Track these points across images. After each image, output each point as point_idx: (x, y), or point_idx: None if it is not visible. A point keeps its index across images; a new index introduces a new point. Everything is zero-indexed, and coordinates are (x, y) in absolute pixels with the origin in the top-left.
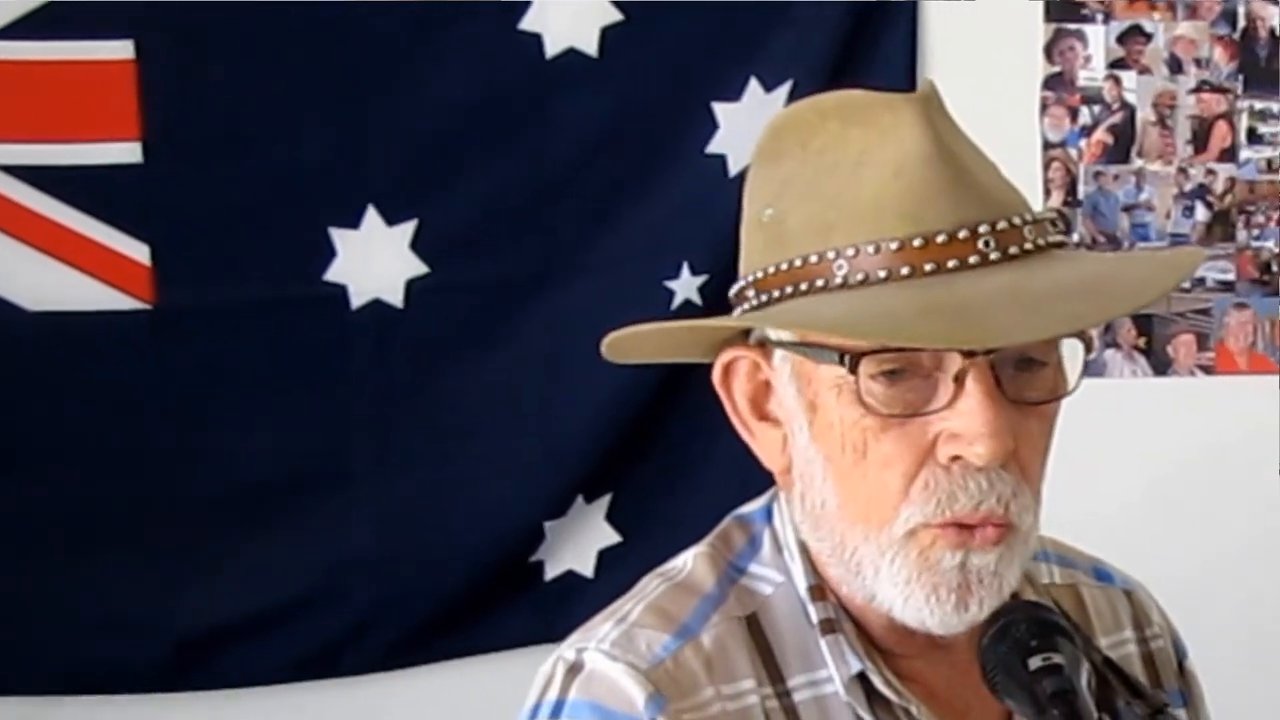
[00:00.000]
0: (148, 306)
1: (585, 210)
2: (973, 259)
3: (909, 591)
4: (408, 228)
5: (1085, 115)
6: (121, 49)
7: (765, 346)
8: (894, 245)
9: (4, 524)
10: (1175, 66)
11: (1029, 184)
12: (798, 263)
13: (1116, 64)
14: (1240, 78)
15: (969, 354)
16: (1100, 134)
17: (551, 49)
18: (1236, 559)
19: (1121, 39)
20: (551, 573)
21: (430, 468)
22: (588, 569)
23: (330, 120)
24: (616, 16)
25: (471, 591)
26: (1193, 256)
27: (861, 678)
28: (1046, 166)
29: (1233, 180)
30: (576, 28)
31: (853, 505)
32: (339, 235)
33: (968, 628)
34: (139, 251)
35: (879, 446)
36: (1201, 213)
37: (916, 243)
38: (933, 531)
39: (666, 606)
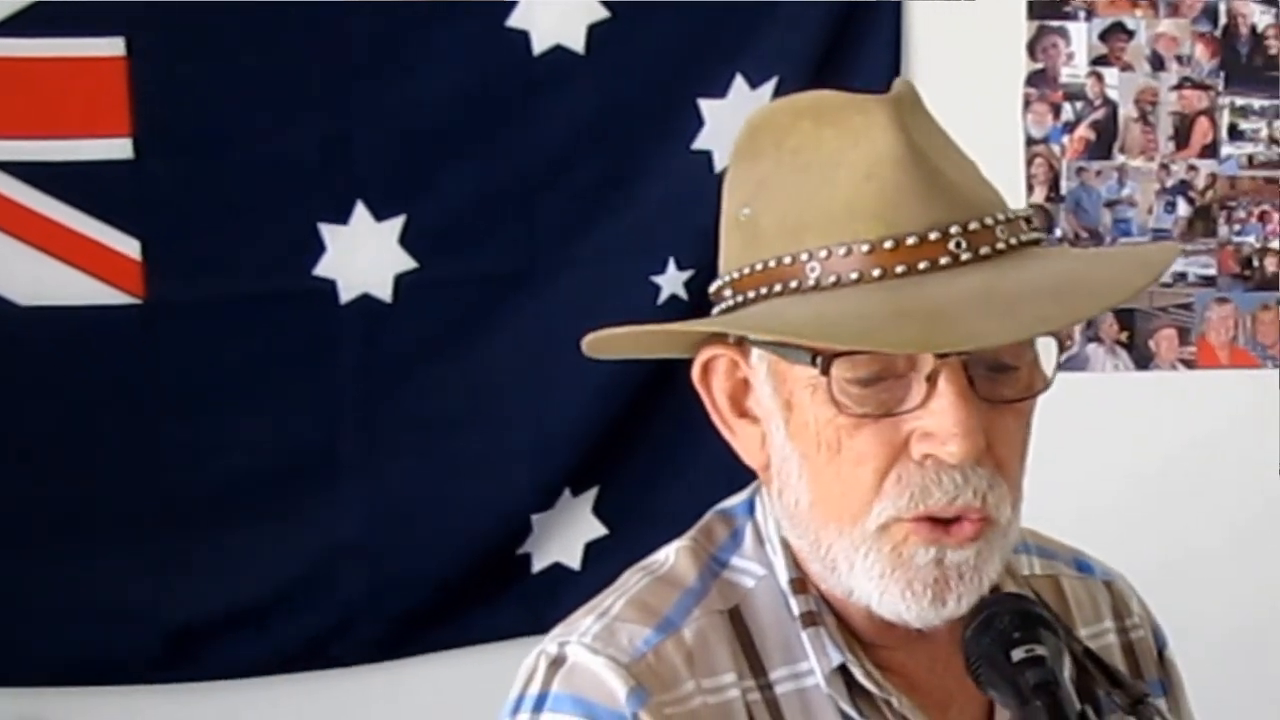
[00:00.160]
0: (139, 301)
1: (572, 206)
2: (944, 260)
3: (884, 586)
4: (396, 223)
5: (1068, 111)
6: (112, 46)
7: (743, 345)
8: (865, 247)
9: None
10: (1157, 63)
11: (1012, 180)
12: (771, 264)
13: (1099, 61)
14: (1221, 74)
15: (942, 354)
16: (1083, 130)
17: (538, 46)
18: (1218, 551)
19: (1104, 36)
20: (539, 565)
21: (418, 461)
22: (575, 561)
23: (319, 116)
24: (603, 14)
25: (459, 583)
26: (1166, 254)
27: (843, 670)
28: (1029, 162)
29: (1214, 176)
30: (563, 25)
31: (825, 502)
32: (328, 230)
33: (946, 622)
34: (130, 247)
35: (852, 444)
36: (1183, 208)
37: (887, 245)
38: (905, 526)
39: (648, 600)
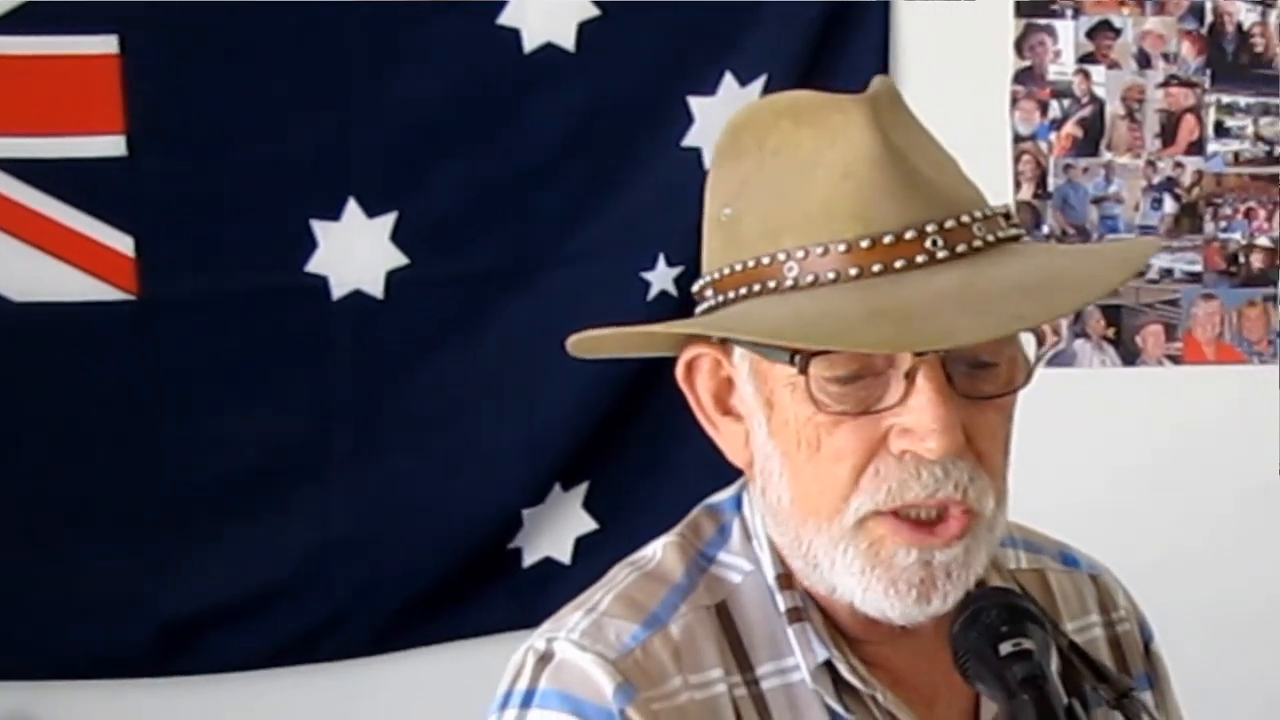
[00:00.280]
0: (132, 297)
1: (563, 203)
2: (920, 259)
3: (866, 583)
4: (388, 220)
5: (1055, 109)
6: (106, 44)
7: (726, 344)
8: (842, 247)
9: None
10: (1144, 61)
11: (999, 177)
12: (751, 264)
13: (1086, 59)
14: (1208, 72)
15: (920, 351)
16: (1070, 127)
17: (529, 44)
18: (1204, 545)
19: (1091, 34)
20: (529, 559)
21: (410, 456)
22: (565, 556)
23: (312, 114)
24: (593, 12)
25: (450, 578)
26: (1144, 249)
27: (828, 665)
28: (1017, 159)
29: (1200, 173)
30: (554, 23)
31: (805, 499)
32: (320, 227)
33: (931, 619)
34: (123, 243)
35: (831, 441)
36: (1169, 205)
37: (864, 244)
38: (884, 525)
39: (635, 596)
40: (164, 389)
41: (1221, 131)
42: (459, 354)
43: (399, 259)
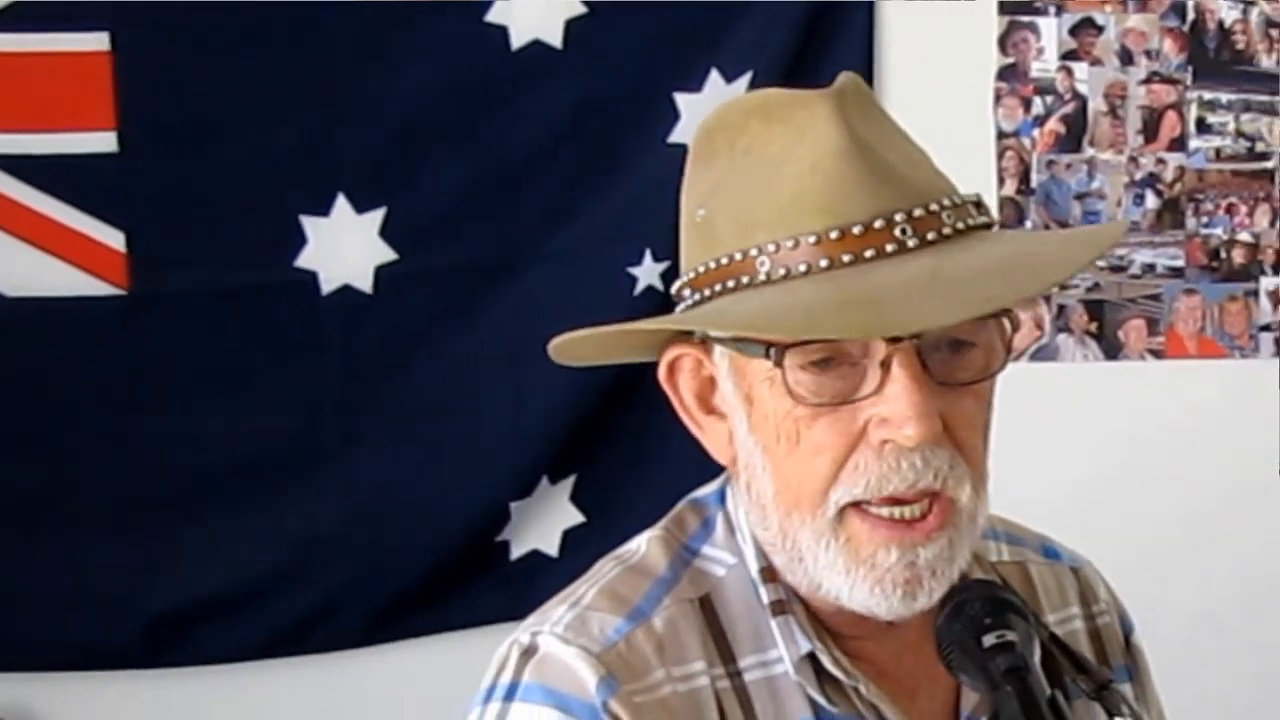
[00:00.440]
0: (123, 292)
1: (550, 198)
2: (890, 247)
3: (851, 582)
4: (377, 215)
5: (1038, 105)
6: (97, 41)
7: (706, 343)
8: (812, 239)
9: None
10: (1126, 58)
11: (983, 173)
12: (724, 261)
13: (1069, 55)
14: (1189, 69)
15: (894, 340)
16: (1053, 124)
17: (517, 41)
18: (1185, 538)
19: (1073, 31)
20: (517, 552)
21: (399, 449)
22: (552, 548)
23: (301, 110)
24: (580, 9)
25: (439, 570)
26: (1111, 232)
27: (811, 658)
28: (1000, 156)
29: (1182, 169)
30: (542, 20)
31: (786, 493)
32: (310, 223)
33: (917, 614)
34: (114, 238)
35: (810, 435)
36: (1151, 201)
37: (833, 235)
38: (864, 521)
39: (619, 589)
40: (155, 383)
41: (1203, 128)
42: (448, 348)
43: (388, 254)
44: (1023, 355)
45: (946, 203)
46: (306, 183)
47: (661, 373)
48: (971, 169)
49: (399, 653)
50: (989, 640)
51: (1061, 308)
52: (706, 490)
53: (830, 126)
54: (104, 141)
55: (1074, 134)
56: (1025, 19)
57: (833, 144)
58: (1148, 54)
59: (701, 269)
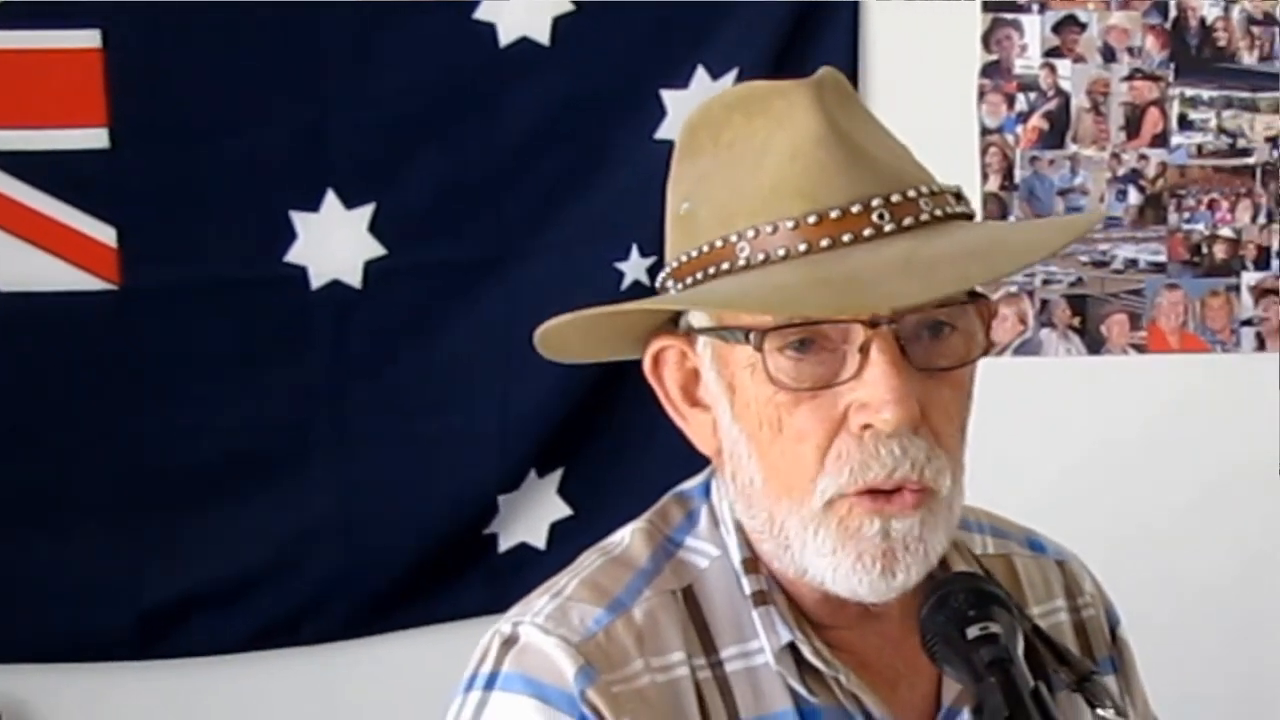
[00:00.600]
0: (114, 287)
1: (538, 194)
2: (867, 232)
3: (836, 561)
4: (366, 211)
5: (1022, 102)
6: (89, 38)
7: (690, 335)
8: (790, 224)
9: None
10: (1109, 55)
11: (967, 168)
12: (705, 249)
13: (1052, 52)
14: (1171, 66)
15: (872, 324)
16: (1036, 120)
17: (505, 38)
18: (1167, 531)
19: (1057, 28)
20: (505, 545)
21: (387, 443)
22: (540, 541)
23: (291, 107)
24: (568, 7)
25: (428, 563)
26: (1087, 219)
27: (792, 648)
28: (984, 151)
29: (1164, 165)
30: (529, 17)
31: (774, 480)
32: (299, 218)
33: (898, 594)
34: (106, 234)
35: (792, 421)
36: (1134, 196)
37: (811, 220)
38: (849, 501)
39: (600, 581)
40: (146, 377)
41: (1185, 124)
42: (436, 342)
43: (377, 249)
44: (1006, 350)
45: (925, 190)
46: (296, 179)
47: (646, 365)
48: (955, 165)
49: (388, 644)
50: (973, 632)
51: (1044, 303)
52: (691, 483)
53: (809, 115)
54: (95, 138)
55: (1057, 130)
56: (1009, 16)
57: (811, 131)
58: (1130, 51)
59: (684, 258)
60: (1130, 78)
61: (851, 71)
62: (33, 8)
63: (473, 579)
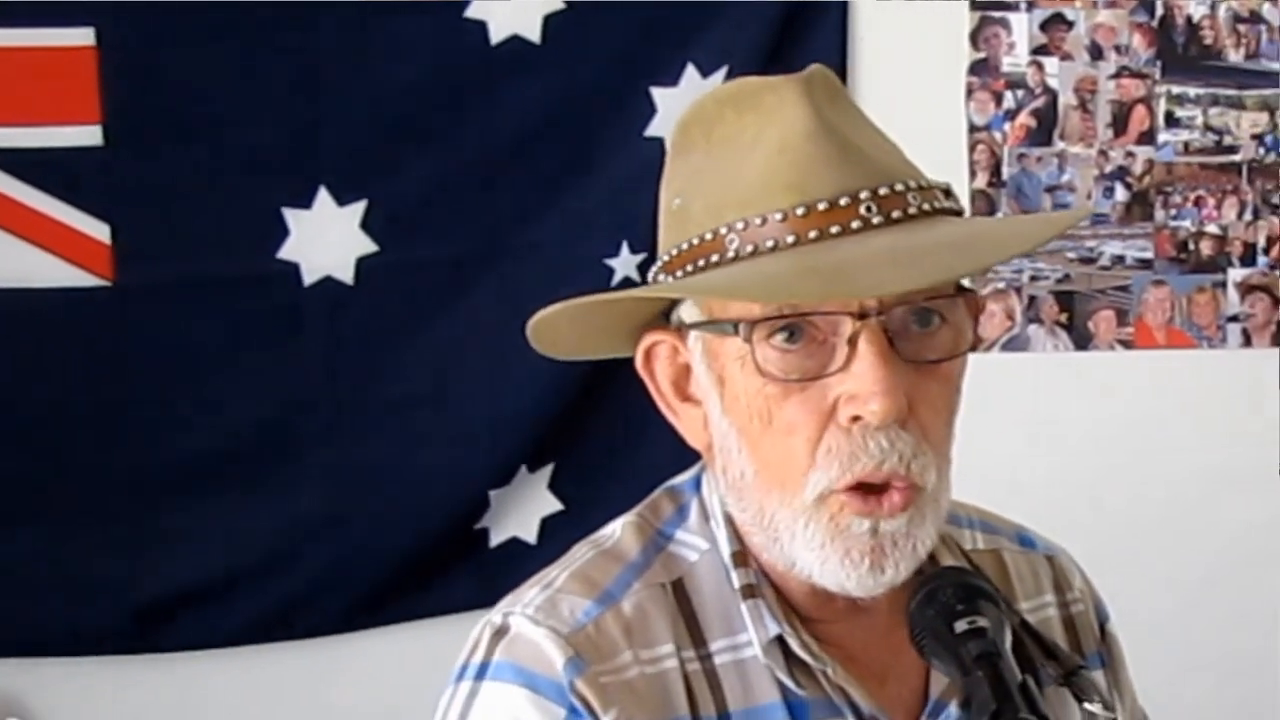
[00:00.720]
0: (108, 283)
1: (529, 191)
2: (855, 224)
3: (825, 555)
4: (358, 208)
5: (1009, 100)
6: (83, 36)
7: (682, 330)
8: (779, 216)
9: None
10: (1096, 53)
11: (955, 166)
12: (695, 241)
13: (1039, 50)
14: (1158, 64)
15: (861, 316)
16: (1024, 118)
17: (496, 36)
18: (1153, 525)
19: (1044, 26)
20: (496, 539)
21: (379, 438)
22: (531, 536)
23: (283, 105)
24: (558, 5)
25: (420, 557)
26: (1073, 214)
27: (780, 641)
28: (972, 149)
29: (1151, 162)
30: (520, 16)
31: (766, 472)
32: (292, 215)
33: (886, 589)
34: (99, 231)
35: (782, 413)
36: (1121, 193)
37: (800, 212)
38: (840, 498)
39: (591, 574)
40: (139, 373)
41: (1172, 121)
42: (427, 338)
43: (369, 246)
44: (994, 346)
45: (913, 185)
46: (289, 176)
47: (638, 360)
48: (943, 162)
49: (379, 639)
50: (961, 626)
51: (1032, 299)
52: (682, 478)
53: (798, 109)
54: (89, 135)
55: (1044, 128)
56: (997, 15)
57: (801, 125)
58: (1117, 49)
59: (675, 251)
60: (1117, 75)
61: (841, 69)
62: (27, 7)
63: (464, 573)
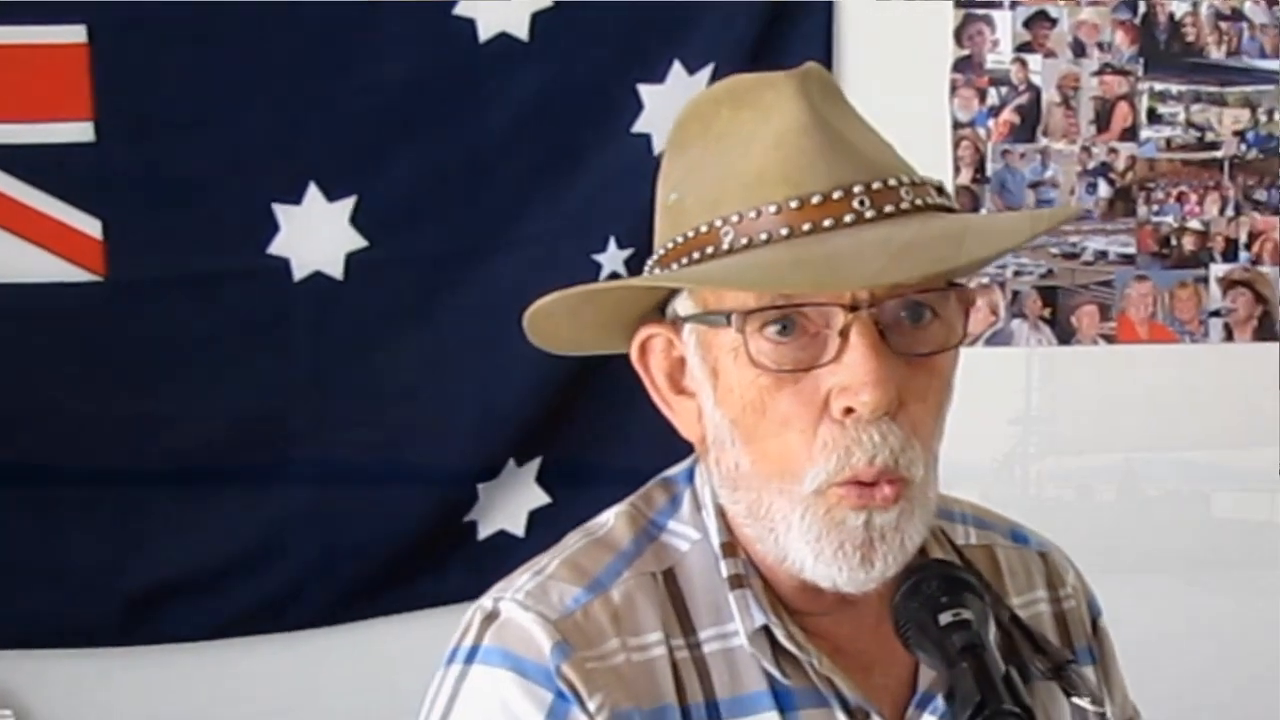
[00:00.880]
0: (100, 279)
1: (517, 187)
2: (848, 218)
3: (819, 549)
4: (347, 203)
5: (993, 96)
6: (74, 33)
7: (676, 323)
8: (773, 209)
9: None
10: (1079, 50)
11: (939, 162)
12: (690, 234)
13: (1023, 47)
14: (1141, 60)
15: (853, 308)
16: (1007, 114)
17: (484, 33)
18: (1138, 520)
19: (1028, 23)
20: (484, 532)
21: (368, 432)
22: (519, 529)
23: (274, 101)
24: (546, 3)
25: (408, 550)
26: (1065, 211)
27: (766, 631)
28: (956, 145)
29: (1133, 158)
30: (508, 13)
31: (764, 463)
32: (282, 211)
33: (876, 584)
34: (91, 226)
35: (776, 405)
36: (1104, 189)
37: (793, 204)
38: (838, 491)
39: (581, 561)
40: (130, 367)
41: (1154, 118)
42: (416, 333)
43: (358, 241)
44: (978, 340)
45: (905, 180)
46: (279, 172)
47: (633, 353)
48: (928, 158)
49: (367, 631)
50: (945, 618)
51: (1016, 294)
52: (676, 469)
53: (794, 105)
54: (81, 131)
55: (1028, 124)
56: (980, 12)
57: (796, 120)
58: (1100, 46)
59: (670, 244)
60: (1100, 72)
61: (826, 66)
62: (19, 4)
63: (452, 566)
